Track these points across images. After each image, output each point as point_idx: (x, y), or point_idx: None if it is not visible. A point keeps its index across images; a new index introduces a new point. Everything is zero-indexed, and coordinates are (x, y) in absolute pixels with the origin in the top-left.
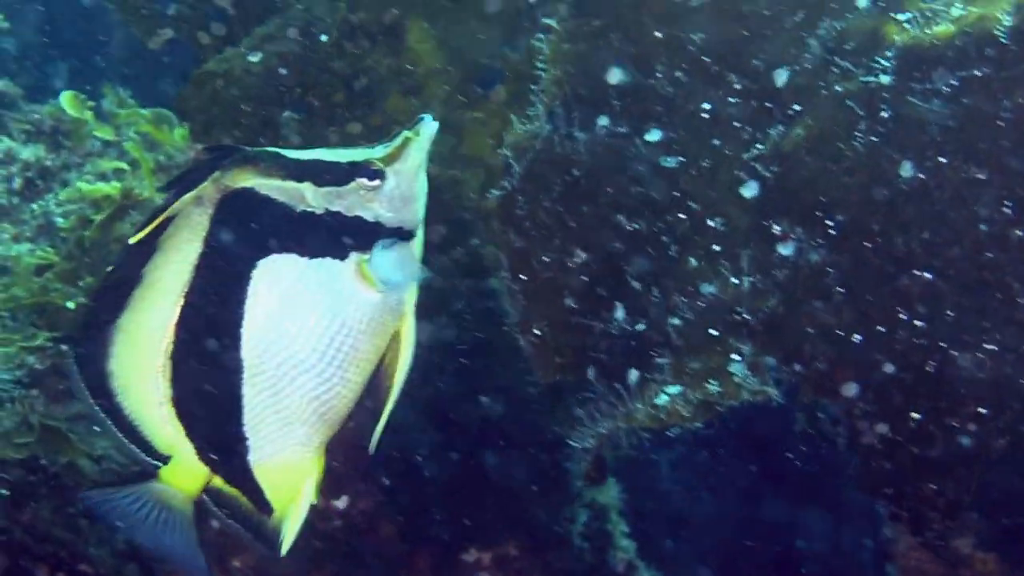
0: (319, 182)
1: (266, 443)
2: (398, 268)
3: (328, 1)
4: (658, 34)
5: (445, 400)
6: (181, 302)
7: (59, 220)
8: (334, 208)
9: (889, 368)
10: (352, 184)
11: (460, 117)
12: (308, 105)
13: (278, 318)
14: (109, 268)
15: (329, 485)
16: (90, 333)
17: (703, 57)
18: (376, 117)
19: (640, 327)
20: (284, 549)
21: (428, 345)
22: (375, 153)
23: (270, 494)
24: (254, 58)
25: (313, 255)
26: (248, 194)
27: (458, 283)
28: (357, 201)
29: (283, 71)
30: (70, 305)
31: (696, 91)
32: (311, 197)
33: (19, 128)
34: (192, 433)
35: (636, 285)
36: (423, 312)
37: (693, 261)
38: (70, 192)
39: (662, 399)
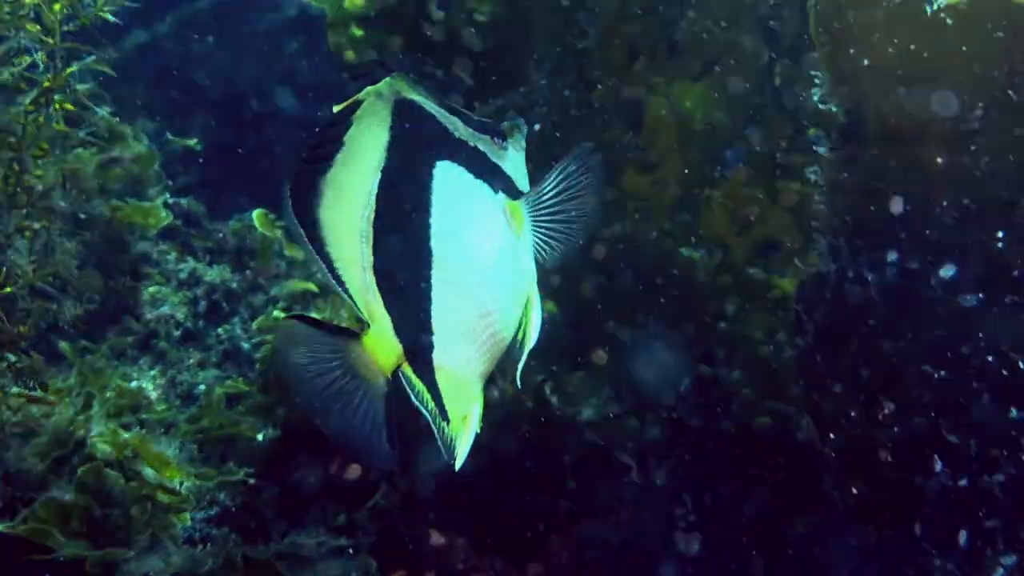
0: (464, 122)
1: (448, 345)
2: (529, 228)
3: (553, 83)
4: (940, 160)
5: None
6: (378, 176)
7: (245, 345)
8: (481, 148)
9: None
10: (487, 136)
11: (698, 195)
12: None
13: (458, 217)
14: (316, 130)
15: None
16: (303, 178)
17: (990, 182)
18: (611, 192)
19: (962, 483)
20: (457, 465)
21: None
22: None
23: (446, 401)
24: None
25: (476, 175)
26: (415, 104)
27: (691, 366)
28: (494, 151)
29: None
30: (259, 437)
31: (987, 219)
32: (461, 130)
33: (202, 246)
34: (389, 308)
35: (952, 438)
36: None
37: (1012, 410)
38: (264, 320)
39: (999, 573)
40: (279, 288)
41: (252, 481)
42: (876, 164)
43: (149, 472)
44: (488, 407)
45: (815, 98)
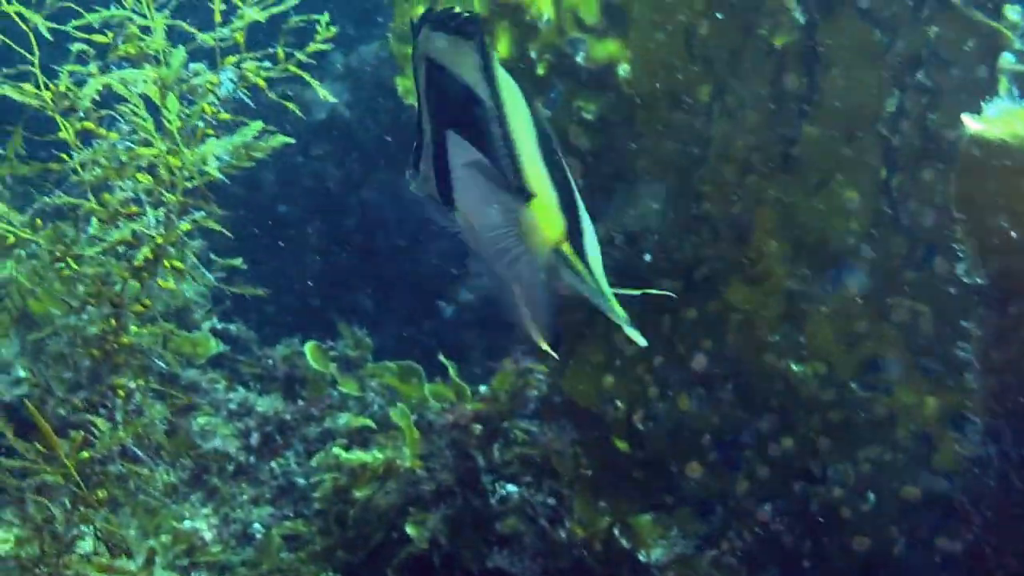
0: None
1: (589, 241)
2: None
3: (658, 203)
4: None
5: None
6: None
7: (300, 480)
8: None
9: None
10: None
11: (804, 310)
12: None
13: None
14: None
15: None
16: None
17: None
18: (715, 304)
19: None
20: (641, 342)
21: None
22: None
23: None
24: None
25: None
26: None
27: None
28: None
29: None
30: None
31: None
32: None
33: (251, 373)
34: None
35: None
36: None
37: None
38: (324, 458)
39: None
40: (333, 421)
41: None
42: None
43: None
44: (555, 549)
45: (959, 271)
